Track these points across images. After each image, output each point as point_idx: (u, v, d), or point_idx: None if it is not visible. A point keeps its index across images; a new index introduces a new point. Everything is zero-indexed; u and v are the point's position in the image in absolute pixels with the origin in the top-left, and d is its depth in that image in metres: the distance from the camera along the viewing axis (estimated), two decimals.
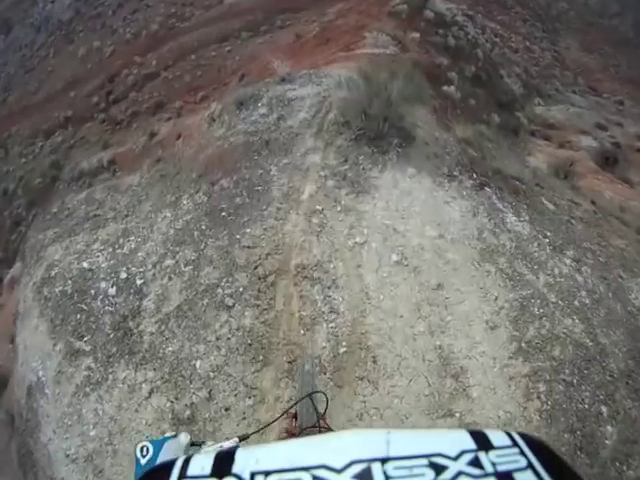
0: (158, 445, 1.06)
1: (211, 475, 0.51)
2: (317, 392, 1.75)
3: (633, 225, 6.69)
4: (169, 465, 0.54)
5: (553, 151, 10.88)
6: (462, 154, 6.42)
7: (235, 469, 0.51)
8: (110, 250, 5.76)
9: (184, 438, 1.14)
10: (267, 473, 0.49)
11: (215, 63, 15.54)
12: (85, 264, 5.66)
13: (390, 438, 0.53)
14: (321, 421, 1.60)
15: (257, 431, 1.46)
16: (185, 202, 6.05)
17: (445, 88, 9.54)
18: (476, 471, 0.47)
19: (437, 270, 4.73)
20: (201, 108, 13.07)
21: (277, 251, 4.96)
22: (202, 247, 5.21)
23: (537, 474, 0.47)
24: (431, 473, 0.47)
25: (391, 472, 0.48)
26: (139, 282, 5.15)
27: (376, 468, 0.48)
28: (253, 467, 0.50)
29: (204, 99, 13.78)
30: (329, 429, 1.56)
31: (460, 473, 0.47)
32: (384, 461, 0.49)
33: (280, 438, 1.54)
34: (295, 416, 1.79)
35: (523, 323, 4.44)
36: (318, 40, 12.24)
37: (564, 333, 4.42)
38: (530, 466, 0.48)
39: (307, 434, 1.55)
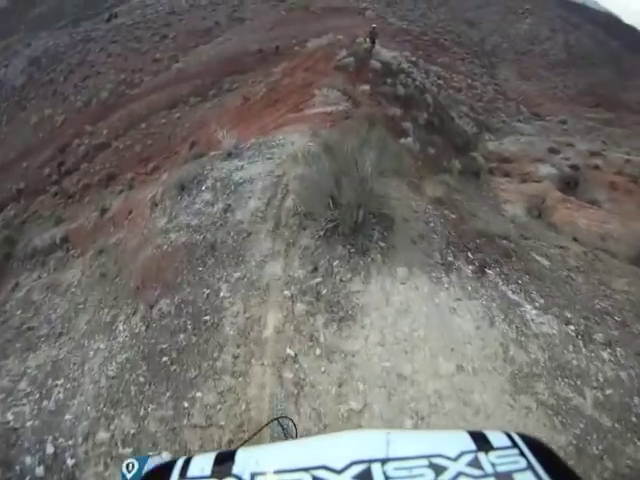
0: (143, 461, 1.11)
1: (211, 476, 0.51)
2: (284, 417, 1.77)
3: (620, 254, 6.78)
4: (169, 465, 0.54)
5: (517, 188, 11.37)
6: (443, 223, 5.78)
7: (235, 470, 0.50)
8: (37, 397, 5.01)
9: (166, 456, 1.17)
10: (267, 474, 0.49)
11: (165, 131, 15.79)
12: (10, 416, 4.90)
13: (390, 439, 0.53)
14: None
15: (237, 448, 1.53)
16: (121, 328, 5.23)
17: (403, 141, 9.55)
18: (476, 472, 0.47)
19: (466, 424, 3.64)
20: (152, 180, 13.17)
21: (240, 430, 3.74)
22: (142, 415, 4.16)
23: (537, 474, 0.47)
24: (431, 474, 0.47)
25: (391, 473, 0.48)
26: (70, 462, 4.21)
27: (376, 469, 0.48)
28: (253, 468, 0.50)
29: (155, 170, 13.91)
30: None
31: (460, 474, 0.47)
32: (384, 462, 0.49)
33: None
34: None
35: (583, 473, 3.51)
36: (266, 101, 12.69)
37: (629, 466, 3.52)
38: (530, 467, 0.48)
39: None
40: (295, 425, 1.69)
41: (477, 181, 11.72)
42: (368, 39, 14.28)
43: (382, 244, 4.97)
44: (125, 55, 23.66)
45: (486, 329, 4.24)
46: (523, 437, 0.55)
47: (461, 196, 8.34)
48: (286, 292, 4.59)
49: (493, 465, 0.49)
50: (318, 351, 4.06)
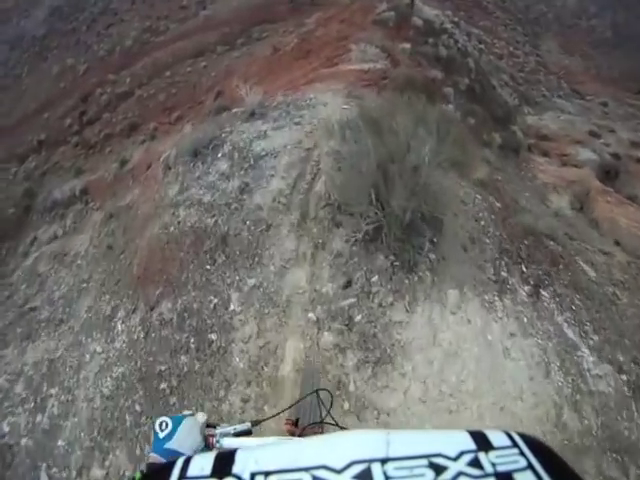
0: (177, 421, 1.08)
1: (211, 476, 0.50)
2: (322, 389, 1.75)
3: None
4: (169, 466, 0.53)
5: (557, 171, 10.25)
6: (493, 219, 4.84)
7: (235, 470, 0.50)
8: (32, 407, 4.62)
9: (201, 417, 1.15)
10: (267, 473, 0.49)
11: (190, 80, 14.89)
12: (6, 427, 4.54)
13: (390, 438, 0.52)
14: (327, 418, 1.59)
15: (268, 418, 1.44)
16: (119, 328, 4.68)
17: (444, 107, 8.38)
18: (476, 471, 0.47)
19: None
20: (175, 130, 12.42)
21: None
22: (138, 455, 3.64)
23: (537, 474, 0.46)
24: (431, 473, 0.47)
25: (391, 472, 0.47)
26: None
27: (376, 468, 0.48)
28: (253, 468, 0.50)
29: (179, 120, 13.12)
30: (337, 425, 1.49)
31: (460, 473, 0.46)
32: (384, 461, 0.49)
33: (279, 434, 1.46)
34: (295, 423, 1.74)
35: None
36: (297, 53, 11.58)
37: None
38: (530, 466, 0.47)
39: (310, 431, 1.54)
40: (332, 398, 1.63)
41: (516, 158, 10.52)
42: None
43: (432, 256, 4.01)
44: (151, 2, 22.42)
45: (540, 381, 3.55)
46: (523, 437, 0.53)
47: (502, 176, 7.39)
48: (311, 315, 3.73)
49: (493, 465, 0.48)
50: (346, 405, 3.26)
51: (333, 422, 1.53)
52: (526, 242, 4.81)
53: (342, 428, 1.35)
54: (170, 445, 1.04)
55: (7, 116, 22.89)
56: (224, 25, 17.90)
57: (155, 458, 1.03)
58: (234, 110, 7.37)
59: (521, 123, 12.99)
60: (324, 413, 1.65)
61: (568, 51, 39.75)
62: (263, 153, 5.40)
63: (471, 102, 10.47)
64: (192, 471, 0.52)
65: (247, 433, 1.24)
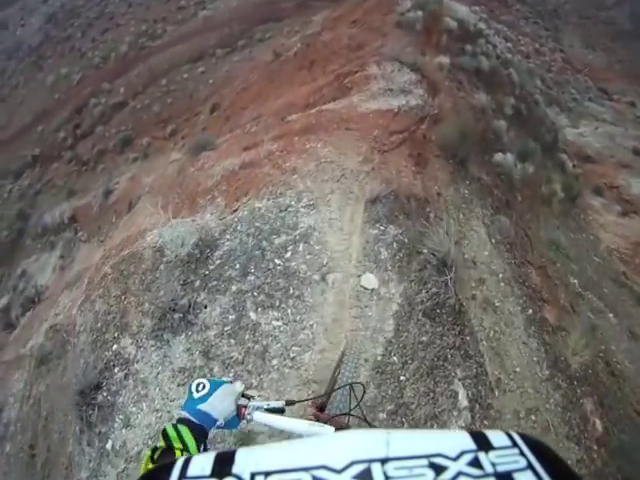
0: (215, 385, 1.08)
1: (211, 476, 0.50)
2: (357, 383, 1.73)
3: None
4: (169, 465, 0.53)
5: (619, 224, 8.24)
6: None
7: (235, 470, 0.50)
8: None
9: (239, 387, 1.15)
10: (267, 474, 0.48)
11: (187, 88, 13.62)
12: None
13: (390, 438, 0.52)
14: (356, 411, 1.58)
15: (302, 400, 1.43)
16: None
17: (498, 158, 5.81)
18: (476, 471, 0.47)
19: None
20: (168, 147, 11.17)
21: None
22: None
23: (537, 474, 0.46)
24: (431, 473, 0.46)
25: (391, 472, 0.47)
26: None
27: (376, 468, 0.48)
28: (253, 468, 0.50)
29: (173, 134, 11.89)
30: (365, 419, 1.49)
31: (460, 473, 0.46)
32: (384, 461, 0.48)
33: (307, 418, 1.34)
34: (321, 408, 1.73)
35: None
36: (300, 61, 10.02)
37: None
38: (530, 466, 0.47)
39: (335, 421, 1.44)
40: (364, 392, 1.61)
41: (574, 208, 7.72)
42: None
43: None
44: (147, 4, 21.21)
45: None
46: (523, 437, 0.51)
47: (572, 271, 5.45)
48: None
49: (493, 465, 0.47)
50: None
51: (361, 416, 1.50)
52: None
53: (369, 423, 1.39)
54: (203, 407, 1.02)
55: (3, 129, 22.02)
56: (225, 26, 16.58)
57: (185, 416, 0.98)
58: None
59: (563, 142, 10.70)
60: (347, 405, 1.65)
61: (589, 45, 37.23)
62: None
63: (521, 131, 7.88)
64: (192, 471, 0.51)
65: (280, 411, 1.21)
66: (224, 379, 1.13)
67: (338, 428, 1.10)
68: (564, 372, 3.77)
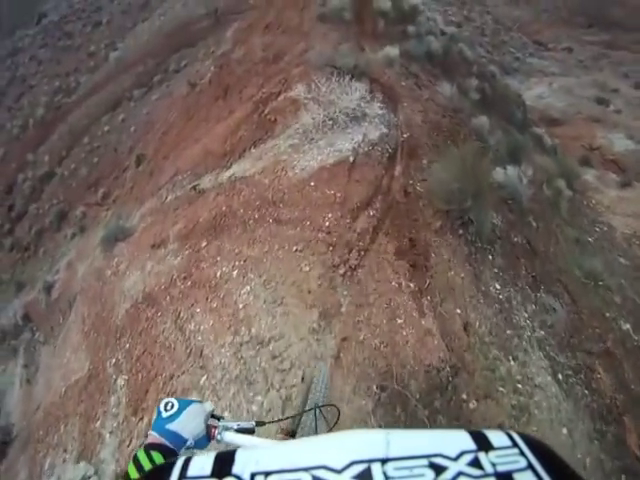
0: (184, 404, 1.05)
1: (211, 476, 0.50)
2: (328, 405, 1.71)
3: None
4: (169, 465, 0.53)
5: (621, 199, 7.19)
6: None
7: (235, 470, 0.50)
8: None
9: (209, 406, 1.12)
10: (267, 474, 0.48)
11: (110, 141, 12.56)
12: None
13: (390, 438, 0.52)
14: None
15: (272, 422, 1.45)
16: None
17: (498, 176, 4.59)
18: (476, 471, 0.46)
19: None
20: (102, 216, 10.17)
21: None
22: None
23: (537, 474, 0.46)
24: (431, 473, 0.46)
25: (391, 472, 0.47)
26: None
27: (376, 468, 0.47)
28: (253, 468, 0.50)
29: (105, 197, 10.88)
30: None
31: (460, 473, 0.46)
32: (384, 461, 0.48)
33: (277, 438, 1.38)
34: (292, 434, 1.73)
35: None
36: (215, 89, 9.01)
37: None
38: (530, 466, 0.47)
39: None
40: (339, 415, 1.55)
41: (576, 196, 6.52)
42: None
43: None
44: (57, 57, 19.89)
45: None
46: (523, 437, 0.51)
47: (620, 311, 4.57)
48: None
49: (493, 465, 0.47)
50: None
51: None
52: None
53: None
54: (172, 426, 1.00)
55: None
56: (138, 64, 15.46)
57: (154, 437, 0.97)
58: None
59: (526, 111, 9.64)
60: (321, 428, 1.62)
61: (513, 1, 36.53)
62: None
63: (495, 118, 6.38)
64: (192, 471, 0.51)
65: (250, 432, 1.19)
66: (193, 399, 1.11)
67: None
68: None
